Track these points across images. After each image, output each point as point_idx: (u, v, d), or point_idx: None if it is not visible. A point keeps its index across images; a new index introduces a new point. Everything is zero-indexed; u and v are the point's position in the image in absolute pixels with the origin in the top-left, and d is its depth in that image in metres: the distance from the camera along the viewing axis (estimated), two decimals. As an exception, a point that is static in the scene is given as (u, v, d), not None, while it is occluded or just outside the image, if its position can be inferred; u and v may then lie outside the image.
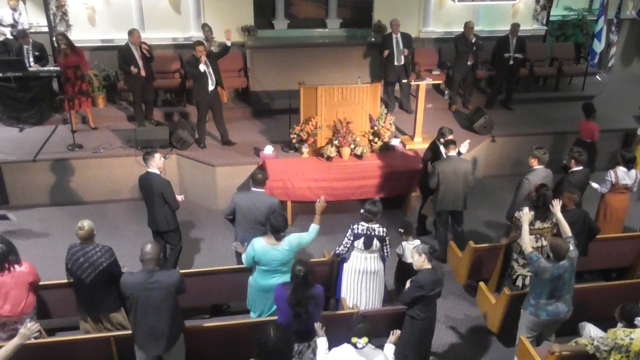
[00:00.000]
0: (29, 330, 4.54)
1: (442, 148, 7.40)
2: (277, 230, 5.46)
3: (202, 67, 8.43)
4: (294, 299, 4.90)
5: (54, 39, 9.36)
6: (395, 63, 10.07)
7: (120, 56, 9.04)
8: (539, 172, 6.83)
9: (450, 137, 7.37)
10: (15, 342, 4.48)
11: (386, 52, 9.95)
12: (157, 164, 6.48)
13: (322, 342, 4.77)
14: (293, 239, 5.56)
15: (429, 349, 5.73)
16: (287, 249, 5.49)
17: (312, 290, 5.00)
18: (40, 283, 5.67)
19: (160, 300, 4.85)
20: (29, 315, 5.39)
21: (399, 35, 10.02)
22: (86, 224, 5.39)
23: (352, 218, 6.13)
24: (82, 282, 5.40)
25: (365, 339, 4.39)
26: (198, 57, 8.40)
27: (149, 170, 6.49)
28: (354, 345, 4.38)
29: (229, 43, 8.75)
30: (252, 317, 5.78)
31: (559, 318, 5.53)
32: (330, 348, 4.67)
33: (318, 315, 5.08)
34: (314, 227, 5.74)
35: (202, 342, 5.46)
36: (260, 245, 5.49)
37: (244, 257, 5.70)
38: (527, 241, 5.71)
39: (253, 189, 6.32)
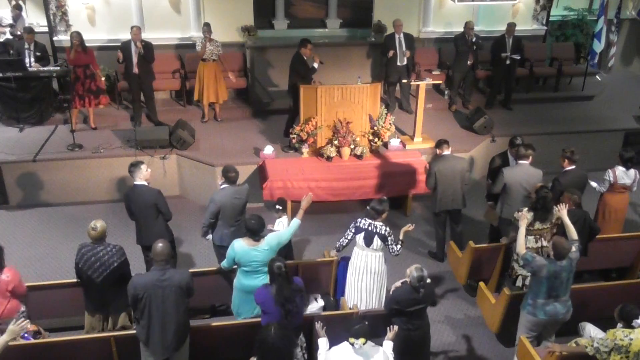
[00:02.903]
0: (18, 326, 4.33)
1: (511, 158, 7.28)
2: (255, 232, 5.42)
3: (316, 65, 8.83)
4: (282, 297, 4.87)
5: (67, 37, 9.38)
6: (398, 63, 10.04)
7: (119, 49, 9.04)
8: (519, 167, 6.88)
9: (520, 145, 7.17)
10: (3, 338, 4.31)
11: (391, 53, 9.92)
12: (144, 175, 6.18)
13: (322, 342, 4.77)
14: (272, 239, 5.53)
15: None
16: (267, 249, 5.46)
17: (295, 284, 5.01)
18: (40, 283, 5.67)
19: (173, 298, 4.85)
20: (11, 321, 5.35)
21: (401, 35, 10.00)
22: (99, 224, 5.36)
23: (352, 218, 6.12)
24: (93, 281, 5.39)
25: (362, 340, 4.39)
26: (308, 56, 8.72)
27: (136, 183, 6.17)
28: (352, 345, 4.39)
29: (316, 65, 8.89)
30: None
31: (557, 319, 5.52)
32: (330, 347, 4.68)
33: (303, 308, 5.09)
34: (294, 222, 5.69)
35: (201, 342, 5.45)
36: (240, 246, 5.46)
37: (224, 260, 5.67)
38: (522, 243, 5.69)
39: (225, 186, 6.29)
